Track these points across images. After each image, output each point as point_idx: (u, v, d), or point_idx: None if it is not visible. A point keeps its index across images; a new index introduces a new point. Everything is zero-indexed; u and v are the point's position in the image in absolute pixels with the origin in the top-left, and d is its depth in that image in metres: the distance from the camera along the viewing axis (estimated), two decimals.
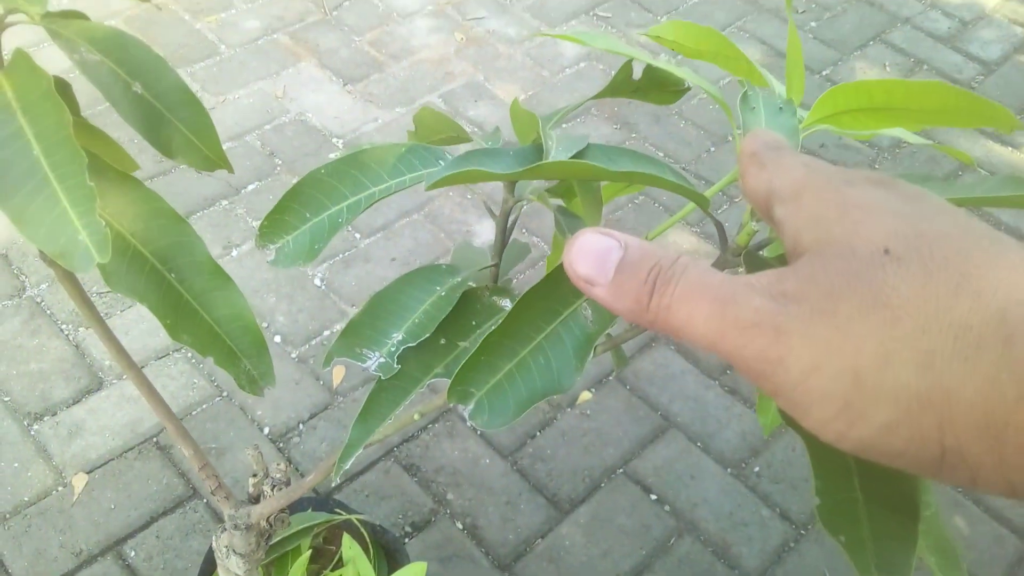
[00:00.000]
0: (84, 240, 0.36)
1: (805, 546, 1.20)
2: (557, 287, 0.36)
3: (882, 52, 2.00)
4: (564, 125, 1.74)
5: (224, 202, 1.54)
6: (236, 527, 0.53)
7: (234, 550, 0.57)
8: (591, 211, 0.42)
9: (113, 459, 1.20)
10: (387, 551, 0.99)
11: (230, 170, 0.49)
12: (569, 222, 0.42)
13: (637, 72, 0.50)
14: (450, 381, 0.35)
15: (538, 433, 1.30)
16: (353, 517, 1.00)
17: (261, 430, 1.25)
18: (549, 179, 0.40)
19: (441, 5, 1.99)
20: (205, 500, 1.17)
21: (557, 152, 0.35)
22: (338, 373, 1.33)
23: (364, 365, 0.40)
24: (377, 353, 0.40)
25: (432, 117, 0.49)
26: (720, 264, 0.42)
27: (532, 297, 0.36)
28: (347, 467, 0.40)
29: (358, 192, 0.42)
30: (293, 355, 1.34)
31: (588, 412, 1.32)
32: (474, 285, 0.43)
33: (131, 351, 1.30)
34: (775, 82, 0.53)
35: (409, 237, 1.52)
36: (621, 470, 1.27)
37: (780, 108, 0.46)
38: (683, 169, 1.68)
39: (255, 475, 0.54)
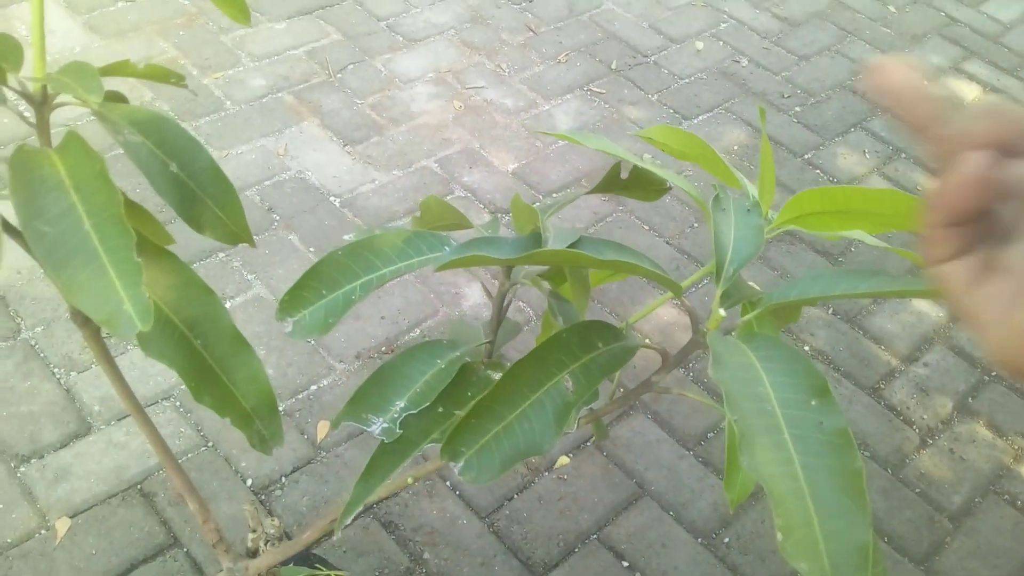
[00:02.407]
0: (128, 310, 0.40)
1: None
2: (543, 360, 0.41)
3: (862, 139, 2.09)
4: (555, 195, 1.81)
5: (221, 254, 1.58)
6: None
7: None
8: (580, 295, 0.47)
9: (97, 504, 1.22)
10: None
11: (252, 244, 0.53)
12: (560, 306, 0.47)
13: (625, 171, 0.56)
14: (444, 441, 0.39)
15: (515, 495, 1.32)
16: (333, 574, 1.02)
17: (244, 481, 1.27)
18: (543, 265, 0.44)
19: (442, 73, 2.07)
20: (185, 549, 1.19)
21: (553, 242, 0.39)
22: (322, 428, 1.36)
23: (369, 429, 0.44)
24: (381, 419, 0.44)
25: (437, 205, 0.54)
26: (692, 345, 0.46)
27: (520, 368, 0.41)
28: (348, 523, 0.44)
29: (370, 272, 0.46)
30: (280, 408, 1.37)
31: (565, 476, 1.36)
32: (470, 360, 0.47)
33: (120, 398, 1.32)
34: (749, 185, 0.58)
35: (400, 297, 1.57)
36: (595, 535, 1.29)
37: (748, 210, 0.52)
38: (667, 243, 1.74)
39: (254, 531, 0.58)
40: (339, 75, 2.01)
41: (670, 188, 0.57)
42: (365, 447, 1.34)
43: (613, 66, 2.17)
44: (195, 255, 1.57)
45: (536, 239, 0.41)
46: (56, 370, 1.37)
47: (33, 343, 1.40)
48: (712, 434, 1.44)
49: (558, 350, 0.40)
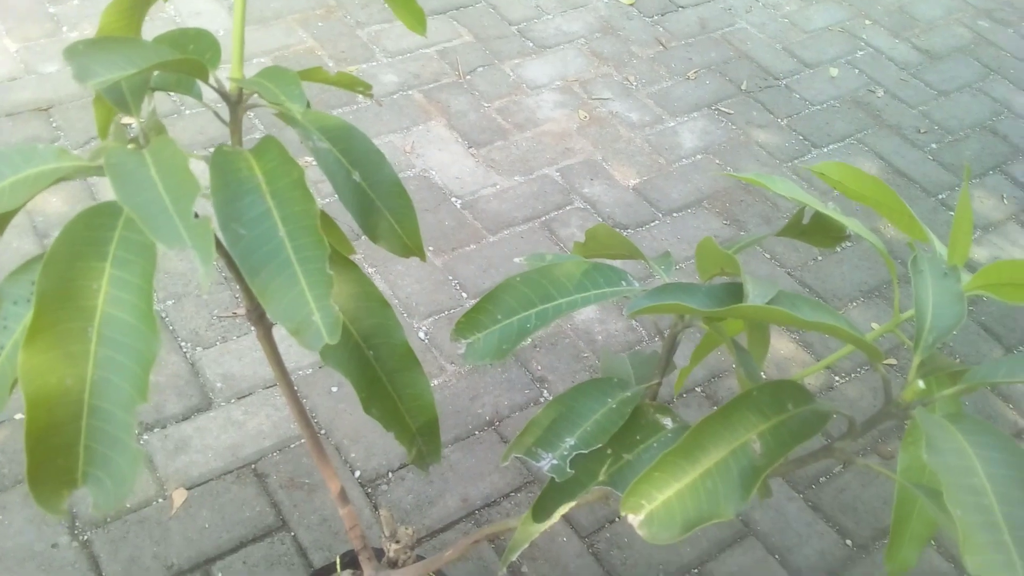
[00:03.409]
0: (317, 321, 0.41)
1: None
2: (730, 419, 0.39)
3: (1001, 183, 1.99)
4: (675, 214, 1.78)
5: None
6: None
7: None
8: (759, 347, 0.45)
9: (212, 479, 1.25)
10: None
11: (423, 258, 0.53)
12: (742, 357, 0.45)
13: (807, 216, 0.54)
14: (624, 492, 0.39)
15: (617, 519, 1.31)
16: None
17: (352, 472, 1.29)
18: (742, 319, 0.43)
19: (569, 82, 2.06)
20: (293, 534, 1.21)
21: (755, 296, 0.38)
22: None
23: (538, 464, 0.43)
24: (550, 455, 0.44)
25: (606, 234, 0.53)
26: (883, 415, 0.44)
27: (707, 425, 0.39)
28: (513, 559, 0.43)
29: (547, 301, 0.46)
30: None
31: None
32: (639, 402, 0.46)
33: (241, 377, 1.36)
34: (937, 242, 0.55)
35: None
36: (696, 570, 1.27)
37: (945, 273, 0.49)
38: (788, 274, 1.70)
39: (398, 541, 0.58)
40: (468, 77, 2.03)
41: (849, 236, 0.54)
42: (470, 451, 1.34)
43: (743, 87, 2.12)
44: None
45: (732, 291, 0.40)
46: (183, 344, 1.42)
47: (164, 315, 1.45)
48: (824, 479, 1.39)
49: (747, 409, 0.39)
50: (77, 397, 0.41)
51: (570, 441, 0.44)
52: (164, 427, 1.31)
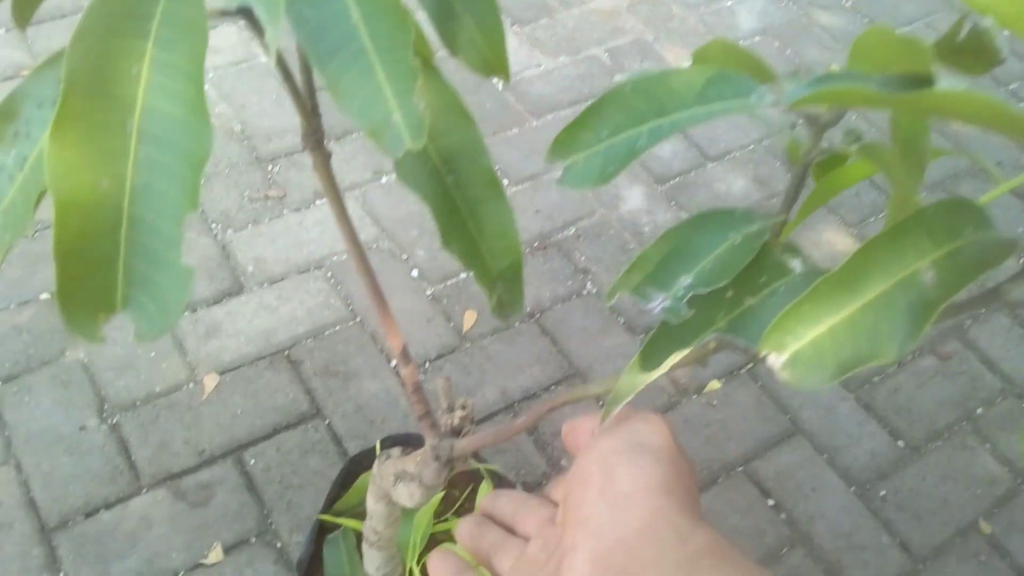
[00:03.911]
0: (398, 122, 0.34)
1: None
2: (899, 242, 0.32)
3: None
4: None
5: None
6: (437, 457, 0.52)
7: (421, 480, 0.55)
8: (915, 173, 0.38)
9: (245, 365, 1.21)
10: None
11: (507, 79, 0.46)
12: (900, 172, 0.38)
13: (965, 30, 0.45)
14: (768, 328, 0.32)
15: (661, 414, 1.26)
16: (482, 467, 0.98)
17: (388, 361, 1.24)
18: (934, 112, 0.35)
19: None
20: (328, 421, 1.17)
21: (949, 83, 0.30)
22: (469, 317, 1.31)
23: (648, 306, 0.37)
24: (662, 295, 0.37)
25: (721, 50, 0.45)
26: None
27: (871, 249, 0.33)
28: (615, 412, 0.37)
29: (661, 116, 0.38)
30: (428, 292, 1.33)
31: (715, 403, 1.28)
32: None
33: (274, 261, 1.31)
34: None
35: (556, 192, 1.49)
36: (741, 468, 1.22)
37: None
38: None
39: (463, 407, 0.52)
40: None
41: (1002, 61, 0.46)
42: (510, 342, 1.29)
43: None
44: (351, 127, 1.53)
45: (911, 81, 0.32)
46: (213, 225, 1.36)
47: None
48: (878, 378, 1.33)
49: (918, 232, 0.32)
50: (115, 203, 0.34)
51: (686, 280, 0.38)
52: (194, 311, 1.26)
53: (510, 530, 0.45)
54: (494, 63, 0.44)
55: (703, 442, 1.24)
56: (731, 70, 0.38)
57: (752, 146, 1.62)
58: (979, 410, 1.32)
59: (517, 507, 0.45)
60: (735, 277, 0.38)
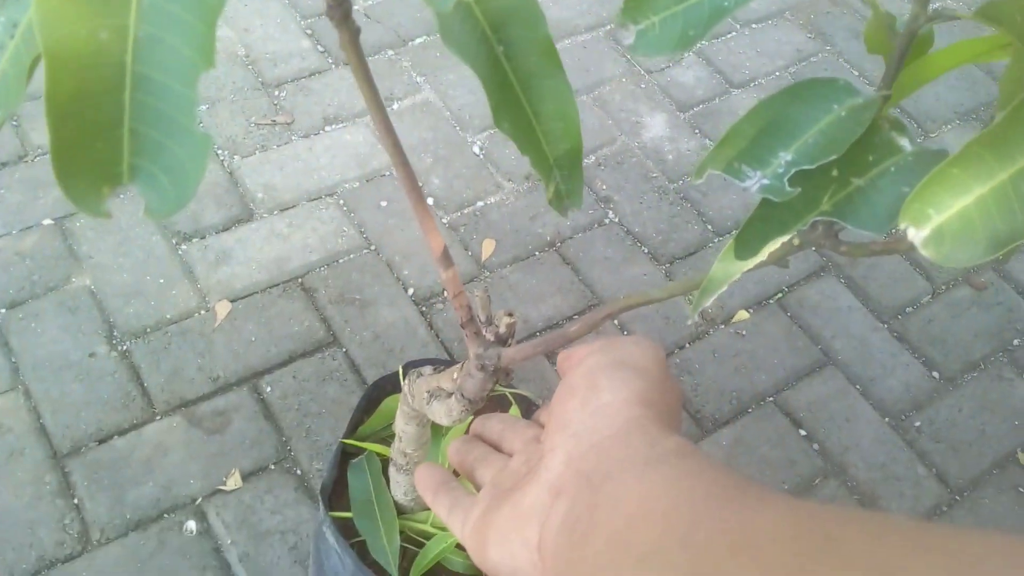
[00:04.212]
0: None
1: (959, 513, 1.12)
2: None
3: None
4: (754, 25, 1.61)
5: (390, 52, 1.47)
6: (483, 367, 0.47)
7: (463, 392, 0.51)
8: None
9: (257, 292, 1.17)
10: None
11: None
12: None
13: None
14: (912, 193, 0.27)
15: (687, 345, 1.22)
16: (508, 392, 0.95)
17: (405, 290, 1.20)
18: None
19: None
20: (344, 349, 1.13)
21: None
22: (487, 247, 1.27)
23: (743, 184, 0.32)
24: (759, 172, 0.33)
25: None
26: None
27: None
28: (707, 304, 0.33)
29: None
30: (444, 220, 1.28)
31: (743, 333, 1.24)
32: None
33: (284, 188, 1.26)
34: None
35: None
36: (771, 399, 1.18)
37: None
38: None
39: (510, 314, 0.48)
40: None
41: None
42: (530, 271, 1.25)
43: None
44: (363, 50, 1.46)
45: None
46: (220, 151, 1.30)
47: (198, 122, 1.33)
48: (912, 309, 1.29)
49: None
50: (116, 59, 0.29)
51: (786, 156, 0.33)
52: (203, 237, 1.21)
53: (498, 448, 0.47)
54: None
55: (732, 372, 1.20)
56: None
57: (778, 73, 1.55)
58: (1015, 341, 1.27)
59: (505, 428, 0.47)
60: (844, 156, 0.33)
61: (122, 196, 0.31)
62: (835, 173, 0.33)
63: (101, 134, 0.30)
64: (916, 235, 0.27)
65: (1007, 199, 0.27)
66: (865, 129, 0.33)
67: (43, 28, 0.28)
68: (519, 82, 0.38)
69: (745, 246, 0.33)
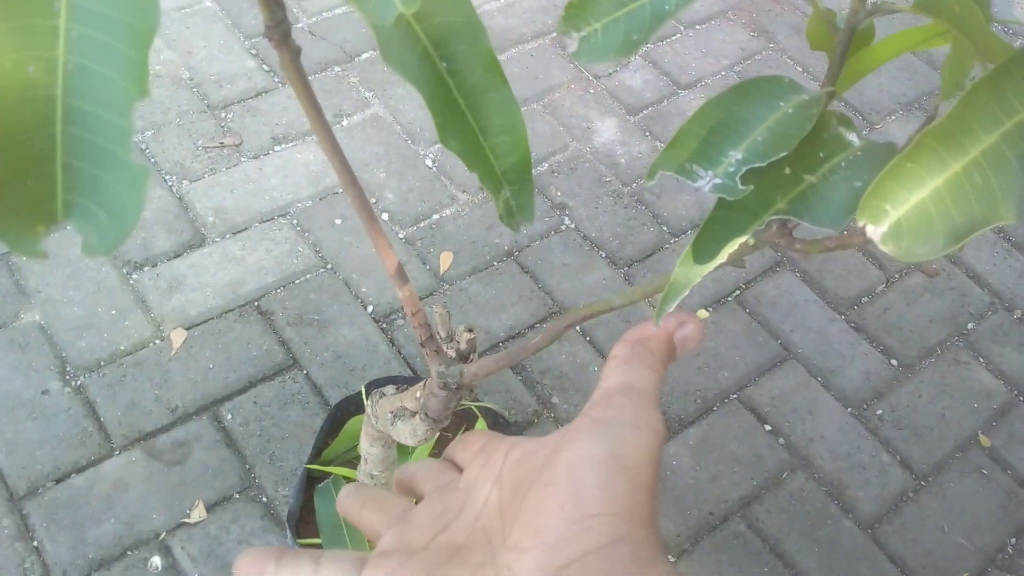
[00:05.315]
0: None
1: (925, 498, 1.13)
2: (1003, 89, 0.28)
3: None
4: (698, 26, 1.63)
5: (337, 68, 1.46)
6: (445, 385, 0.46)
7: (426, 412, 0.51)
8: (984, 19, 0.33)
9: (213, 318, 1.15)
10: None
11: None
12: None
13: None
14: (868, 190, 0.27)
15: None
16: (474, 405, 0.94)
17: (365, 308, 1.19)
18: None
19: None
20: (305, 371, 1.12)
21: None
22: (445, 259, 1.26)
23: (695, 184, 0.32)
24: (711, 172, 0.32)
25: None
26: None
27: (974, 98, 0.28)
28: (671, 309, 0.33)
29: None
30: (400, 235, 1.27)
31: (704, 332, 1.24)
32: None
33: (235, 210, 1.24)
34: None
35: (528, 128, 1.43)
36: (735, 395, 1.19)
37: None
38: (814, 80, 1.56)
39: (470, 330, 0.47)
40: None
41: None
42: (489, 282, 1.24)
43: None
44: (309, 67, 1.45)
45: None
46: (168, 177, 1.28)
47: (143, 147, 1.31)
48: (867, 299, 1.31)
49: (1019, 77, 0.27)
50: (46, 93, 0.28)
51: (736, 155, 0.33)
52: (155, 265, 1.19)
53: (408, 491, 0.42)
54: None
55: (695, 372, 1.20)
56: None
57: (723, 72, 1.57)
58: (970, 325, 1.30)
59: (417, 471, 0.41)
60: (791, 153, 0.33)
61: (68, 229, 0.30)
62: (787, 171, 0.33)
63: (33, 171, 0.29)
64: (875, 231, 0.27)
65: (962, 190, 0.27)
66: (813, 125, 0.34)
67: None
68: (464, 98, 0.37)
69: (704, 250, 0.32)
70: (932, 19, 0.35)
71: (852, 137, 0.35)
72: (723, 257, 0.32)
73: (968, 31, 0.35)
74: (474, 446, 0.39)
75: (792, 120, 0.34)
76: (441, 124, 0.38)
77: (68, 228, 0.30)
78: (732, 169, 0.32)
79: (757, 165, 0.32)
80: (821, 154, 0.34)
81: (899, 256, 0.27)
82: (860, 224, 0.27)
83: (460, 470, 0.40)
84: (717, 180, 0.32)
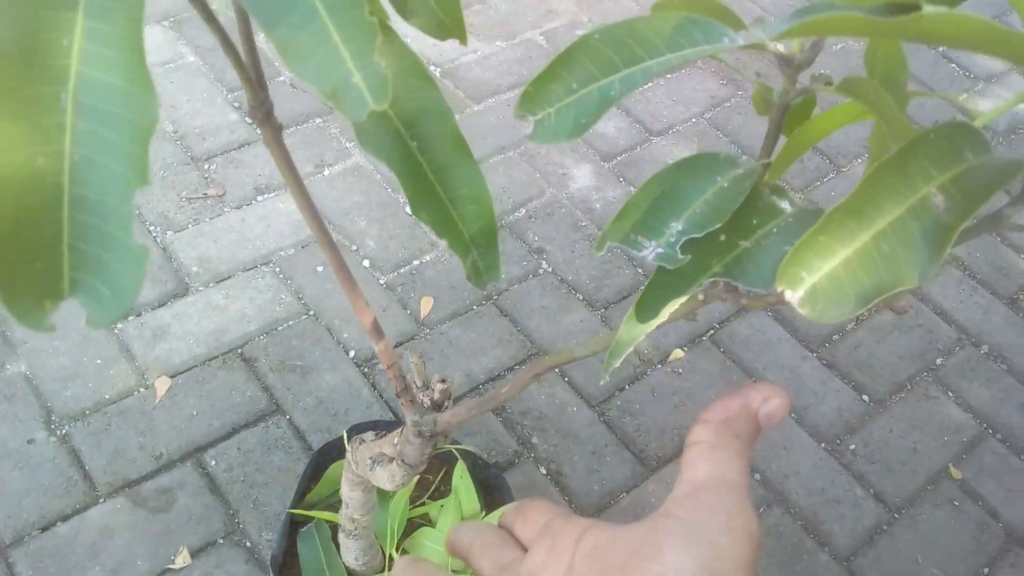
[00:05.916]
0: (359, 82, 0.31)
1: (898, 530, 1.16)
2: (905, 167, 0.31)
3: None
4: (668, 76, 1.68)
5: (318, 120, 1.50)
6: (420, 433, 0.49)
7: (403, 458, 0.53)
8: (899, 105, 0.37)
9: (196, 366, 1.17)
10: (486, 486, 0.95)
11: (463, 40, 0.44)
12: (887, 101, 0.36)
13: None
14: (782, 264, 0.30)
15: (627, 387, 1.25)
16: (455, 448, 0.96)
17: (346, 353, 1.21)
18: (924, 37, 0.34)
19: None
20: (288, 417, 1.14)
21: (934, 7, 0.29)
22: (426, 304, 1.29)
23: (640, 254, 0.35)
24: (654, 242, 0.35)
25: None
26: None
27: (879, 176, 0.31)
28: (616, 365, 0.35)
29: (633, 64, 0.37)
30: (381, 281, 1.30)
31: (680, 371, 1.28)
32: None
33: (218, 260, 1.26)
34: None
35: (504, 175, 1.47)
36: None
37: None
38: None
39: (443, 381, 0.50)
40: None
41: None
42: (469, 326, 1.27)
43: None
44: (290, 119, 1.49)
45: (898, 9, 0.31)
46: (152, 228, 1.30)
47: None
48: (837, 336, 1.34)
49: (923, 156, 0.31)
50: (53, 182, 0.31)
51: (677, 226, 0.36)
52: (139, 315, 1.21)
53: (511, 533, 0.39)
54: (450, 25, 0.42)
55: (671, 410, 1.23)
56: (698, 15, 0.36)
57: (694, 119, 1.62)
58: (938, 360, 1.33)
59: (475, 540, 0.39)
60: (728, 222, 0.36)
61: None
62: (723, 238, 0.36)
63: (42, 253, 0.31)
64: (792, 296, 0.30)
65: (871, 258, 0.30)
66: (746, 196, 0.37)
67: None
68: (433, 173, 0.40)
69: (646, 310, 0.35)
70: (853, 100, 0.38)
71: (784, 204, 0.39)
72: (664, 316, 0.35)
73: (881, 114, 0.38)
74: (537, 520, 0.37)
75: (727, 193, 0.37)
76: (413, 197, 0.41)
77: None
78: (673, 239, 0.35)
79: (695, 236, 0.35)
80: (755, 221, 0.37)
81: (814, 318, 0.30)
82: (779, 289, 0.30)
83: (520, 544, 0.38)
84: (660, 250, 0.35)
